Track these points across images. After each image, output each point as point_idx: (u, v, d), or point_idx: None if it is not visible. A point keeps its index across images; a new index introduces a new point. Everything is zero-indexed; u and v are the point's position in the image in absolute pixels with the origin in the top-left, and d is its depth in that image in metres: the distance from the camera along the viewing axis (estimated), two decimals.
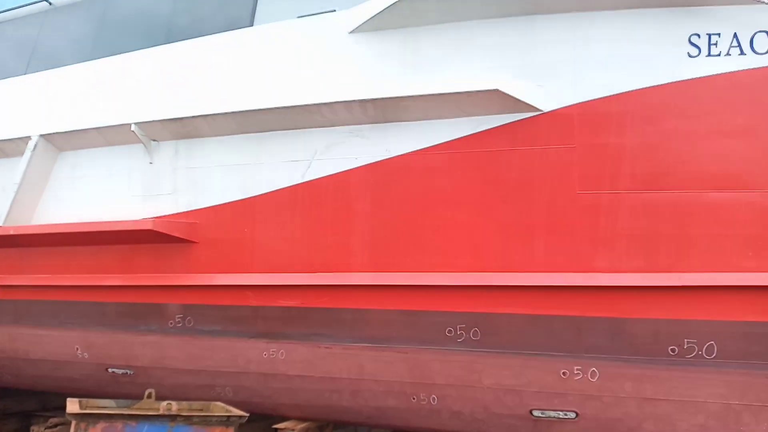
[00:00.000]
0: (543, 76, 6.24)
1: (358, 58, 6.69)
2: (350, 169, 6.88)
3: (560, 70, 6.21)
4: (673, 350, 5.94)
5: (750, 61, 5.83)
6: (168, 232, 7.67)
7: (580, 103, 6.16)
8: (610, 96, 6.08)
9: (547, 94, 6.20)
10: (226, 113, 7.36)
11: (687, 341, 5.91)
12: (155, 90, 8.13)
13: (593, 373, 6.13)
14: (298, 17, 7.15)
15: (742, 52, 5.86)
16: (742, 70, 5.85)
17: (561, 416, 6.23)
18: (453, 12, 6.29)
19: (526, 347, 6.33)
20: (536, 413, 6.31)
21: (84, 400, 7.09)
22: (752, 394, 5.78)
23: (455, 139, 6.51)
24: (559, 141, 6.23)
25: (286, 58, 7.14)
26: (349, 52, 6.72)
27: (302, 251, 7.16)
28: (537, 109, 6.22)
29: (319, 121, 6.90)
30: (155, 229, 7.63)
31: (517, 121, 6.31)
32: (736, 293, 5.82)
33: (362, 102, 6.55)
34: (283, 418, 7.61)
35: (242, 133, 7.46)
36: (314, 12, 7.03)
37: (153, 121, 7.85)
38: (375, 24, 6.49)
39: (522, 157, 6.36)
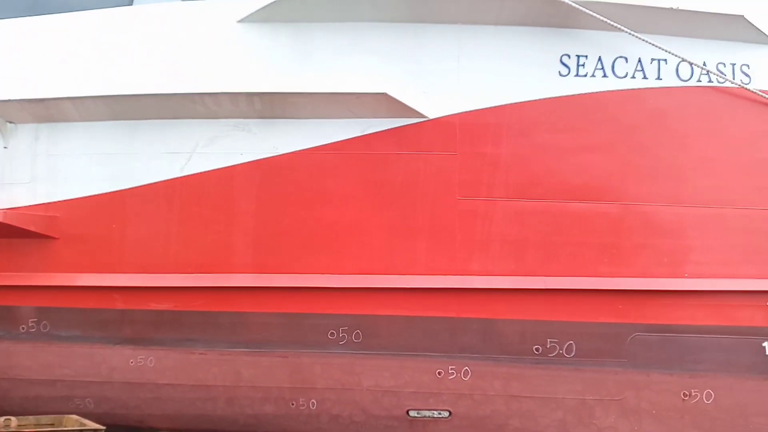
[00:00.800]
0: (429, 83, 6.43)
1: (247, 48, 6.44)
2: (234, 165, 6.58)
3: (446, 79, 6.44)
4: (537, 349, 6.36)
5: (611, 84, 6.48)
6: (22, 226, 6.79)
7: (462, 112, 6.43)
8: (489, 108, 6.43)
9: (433, 102, 6.39)
10: (96, 96, 6.70)
11: (550, 341, 6.37)
12: (15, 66, 7.20)
13: (466, 372, 6.38)
14: (183, 0, 6.72)
15: (605, 75, 6.48)
16: (604, 91, 6.47)
17: (435, 415, 6.40)
18: (345, 12, 6.28)
19: (405, 348, 6.45)
20: (412, 413, 6.42)
21: None
22: (604, 390, 6.35)
23: (344, 140, 6.48)
24: (442, 148, 6.44)
25: (167, 43, 6.65)
26: (237, 41, 6.44)
27: (178, 250, 6.70)
28: (422, 116, 6.40)
29: (202, 111, 6.52)
30: (6, 222, 6.72)
31: (404, 126, 6.43)
32: (592, 296, 6.37)
33: (249, 95, 6.30)
34: (152, 430, 7.05)
35: (114, 119, 6.83)
36: None
37: (9, 100, 6.94)
38: (265, 15, 6.29)
39: (407, 162, 6.49)
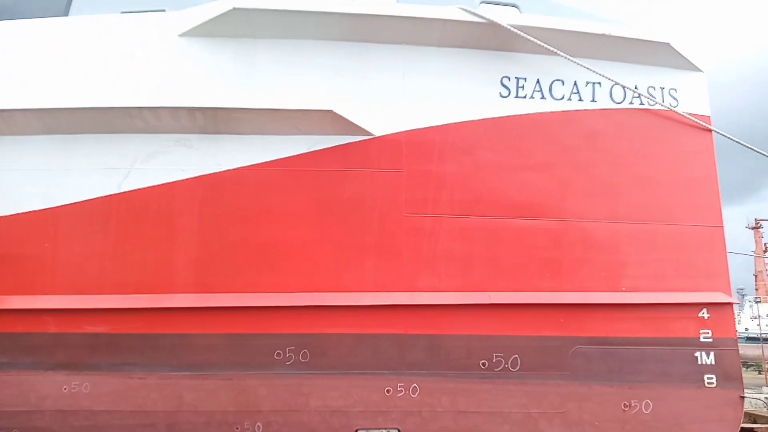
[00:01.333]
0: (375, 101, 6.50)
1: (189, 63, 6.31)
2: (176, 181, 6.39)
3: (391, 98, 6.53)
4: (483, 364, 6.44)
5: (549, 105, 6.74)
6: None
7: (407, 130, 6.52)
8: (434, 126, 6.55)
9: (379, 119, 6.46)
10: (27, 110, 6.38)
11: (495, 355, 6.46)
12: None
13: (414, 389, 6.37)
14: (122, 12, 6.54)
15: (543, 97, 6.74)
16: (543, 113, 6.71)
17: None
18: (290, 29, 6.28)
19: (353, 367, 6.38)
20: None
21: None
22: (547, 403, 6.47)
23: (290, 157, 6.43)
24: (388, 165, 6.49)
25: (105, 55, 6.44)
26: (178, 55, 6.31)
27: (115, 270, 6.41)
28: (369, 133, 6.44)
29: (141, 126, 6.32)
30: None
31: (351, 143, 6.45)
32: (535, 310, 6.52)
33: (190, 110, 6.16)
34: None
35: (48, 133, 6.50)
36: (141, 9, 6.46)
37: None
38: (208, 29, 6.20)
39: (354, 179, 6.50)
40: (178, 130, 6.35)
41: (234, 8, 5.96)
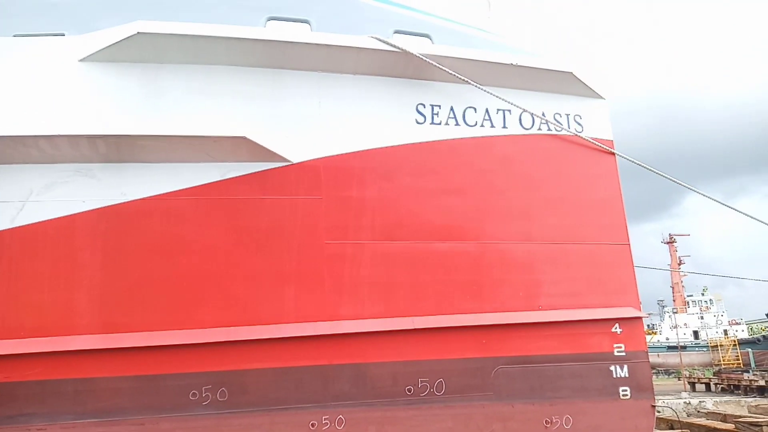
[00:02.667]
0: (291, 128, 6.42)
1: (89, 89, 5.98)
2: (76, 213, 5.97)
3: (307, 124, 6.48)
4: (409, 390, 6.37)
5: (463, 131, 6.94)
6: None
7: (325, 156, 6.47)
8: (352, 152, 6.55)
9: (296, 146, 6.37)
10: None
11: (421, 380, 6.41)
12: None
13: (340, 421, 6.18)
14: (15, 36, 6.11)
15: (457, 123, 6.94)
16: (458, 138, 6.90)
17: None
18: (200, 54, 6.12)
19: (276, 402, 6.12)
20: None
21: None
22: (473, 425, 6.48)
23: (202, 185, 6.19)
24: (306, 192, 6.40)
25: None
26: (77, 81, 5.96)
27: (8, 313, 5.85)
28: (286, 159, 6.34)
29: (37, 156, 5.89)
30: None
31: (267, 170, 6.31)
32: (458, 333, 6.57)
33: (91, 138, 5.80)
34: None
35: None
36: (37, 33, 6.08)
37: None
38: (111, 54, 5.92)
39: (272, 207, 6.34)
40: (78, 160, 5.97)
41: (138, 33, 5.73)
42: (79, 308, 5.99)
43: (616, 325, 7.04)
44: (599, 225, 7.24)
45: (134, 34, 5.72)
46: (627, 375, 6.98)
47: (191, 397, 5.99)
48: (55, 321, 5.92)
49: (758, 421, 9.87)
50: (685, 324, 55.90)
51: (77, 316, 5.98)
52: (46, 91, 5.93)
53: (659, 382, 41.54)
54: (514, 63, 6.79)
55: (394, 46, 6.39)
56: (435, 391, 6.42)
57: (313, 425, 6.14)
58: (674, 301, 61.40)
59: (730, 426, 10.68)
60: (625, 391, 6.93)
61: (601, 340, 7.00)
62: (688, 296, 60.38)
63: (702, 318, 57.44)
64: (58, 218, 5.94)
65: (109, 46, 5.81)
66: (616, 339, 7.03)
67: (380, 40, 6.37)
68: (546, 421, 6.64)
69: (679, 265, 59.27)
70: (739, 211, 8.75)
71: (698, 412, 16.09)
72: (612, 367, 6.96)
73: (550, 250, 6.96)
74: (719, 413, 13.94)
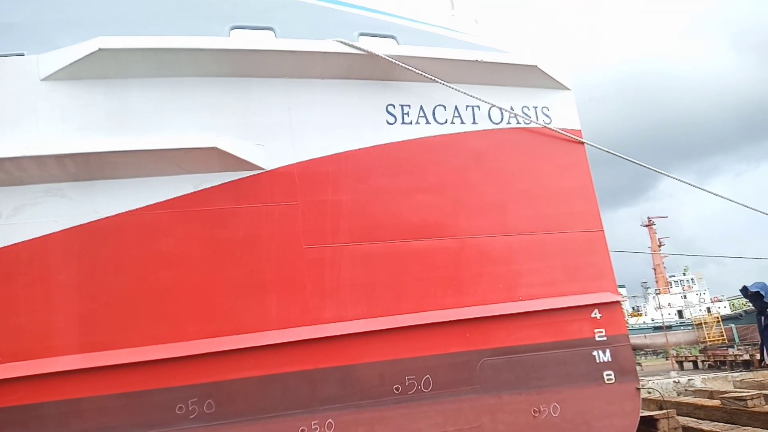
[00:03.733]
0: (263, 135, 6.42)
1: (53, 108, 5.90)
2: (48, 234, 5.89)
3: (278, 131, 6.49)
4: (397, 389, 6.41)
5: (434, 129, 7.01)
6: None
7: (299, 162, 6.49)
8: (325, 156, 6.57)
9: (268, 153, 6.38)
10: None
11: (408, 378, 6.45)
12: None
13: (330, 425, 6.19)
14: None
15: (427, 122, 7.01)
16: (429, 137, 6.96)
17: None
18: (164, 67, 6.08)
19: (263, 410, 6.10)
20: None
21: None
22: (462, 419, 6.54)
23: (175, 198, 6.15)
24: (282, 198, 6.41)
25: None
26: (41, 101, 5.88)
27: None
28: (259, 168, 6.33)
29: (4, 179, 5.79)
30: None
31: (241, 179, 6.30)
32: (441, 328, 6.62)
33: (59, 157, 5.73)
34: None
35: None
36: None
37: None
38: (74, 72, 5.85)
39: (247, 215, 6.33)
40: (47, 180, 5.88)
41: (100, 49, 5.68)
42: (57, 329, 5.91)
43: (596, 310, 7.17)
44: (573, 213, 7.36)
45: (95, 51, 5.66)
46: (610, 359, 7.10)
47: (178, 411, 5.95)
48: (34, 344, 5.83)
49: (743, 396, 10.12)
50: (669, 304, 56.98)
51: (57, 337, 5.89)
52: (8, 112, 5.84)
53: (648, 363, 42.30)
54: (479, 59, 6.87)
55: (360, 49, 6.43)
56: (422, 388, 6.47)
57: (302, 431, 6.14)
58: (657, 282, 62.53)
59: (716, 402, 10.93)
60: (609, 375, 7.06)
61: (582, 327, 7.12)
62: (670, 276, 61.57)
63: (685, 297, 58.62)
64: (31, 240, 5.85)
65: (71, 63, 5.73)
66: (596, 324, 7.16)
67: (345, 44, 6.41)
68: (534, 410, 6.73)
69: (660, 246, 60.38)
70: (712, 193, 8.97)
71: (686, 390, 16.42)
72: (594, 352, 7.08)
73: (526, 242, 7.06)
74: (707, 390, 14.25)
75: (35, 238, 5.87)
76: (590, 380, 6.99)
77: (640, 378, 7.99)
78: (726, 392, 12.14)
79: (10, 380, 5.76)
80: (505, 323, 6.81)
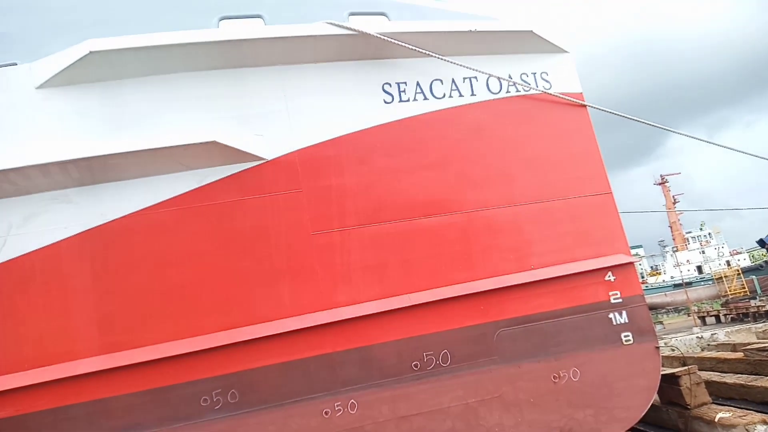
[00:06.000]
0: (261, 125, 6.39)
1: (51, 115, 5.92)
2: (59, 241, 5.97)
3: (276, 119, 6.45)
4: (416, 365, 6.47)
5: (432, 105, 6.91)
6: None
7: (300, 149, 6.46)
8: (325, 141, 6.53)
9: (268, 143, 6.35)
10: None
11: (426, 354, 6.51)
12: None
13: (353, 405, 6.29)
14: None
15: (425, 98, 6.91)
16: (428, 112, 6.88)
17: None
18: (157, 64, 6.05)
19: (286, 396, 6.21)
20: None
21: None
22: (482, 389, 6.60)
23: (180, 195, 6.18)
24: (286, 186, 6.40)
25: None
26: (39, 109, 5.90)
27: (6, 347, 5.89)
28: (260, 158, 6.32)
29: (10, 190, 5.86)
30: None
31: (243, 170, 6.30)
32: (455, 303, 6.63)
33: (62, 164, 5.78)
34: None
35: None
36: None
37: None
38: (67, 78, 5.85)
39: (253, 206, 6.35)
40: (53, 187, 5.94)
41: (91, 52, 5.66)
42: (77, 333, 6.03)
43: (609, 273, 7.12)
44: (580, 178, 7.27)
45: (86, 54, 5.64)
46: (627, 321, 7.08)
47: (203, 403, 6.07)
48: (54, 349, 5.97)
49: (766, 346, 10.06)
50: (688, 260, 56.55)
51: (76, 341, 6.02)
52: (7, 123, 5.88)
53: (670, 320, 42.19)
54: (473, 29, 6.73)
55: (350, 29, 6.32)
56: (441, 363, 6.52)
57: (326, 413, 6.24)
58: (674, 239, 61.97)
59: (739, 355, 10.89)
60: (627, 336, 7.04)
61: (596, 290, 7.08)
62: (687, 233, 60.97)
63: (703, 252, 58.08)
64: (43, 248, 5.94)
65: (64, 69, 5.73)
66: (610, 287, 7.12)
67: (336, 25, 6.31)
68: (554, 376, 6.76)
69: (674, 204, 59.66)
70: (721, 146, 8.80)
71: (709, 345, 16.39)
72: (611, 315, 7.05)
73: (534, 210, 7.00)
74: (729, 343, 14.20)
75: (47, 246, 5.95)
76: (608, 343, 6.98)
77: (663, 336, 7.97)
78: (749, 344, 12.09)
79: (37, 386, 5.92)
80: (519, 293, 6.80)
